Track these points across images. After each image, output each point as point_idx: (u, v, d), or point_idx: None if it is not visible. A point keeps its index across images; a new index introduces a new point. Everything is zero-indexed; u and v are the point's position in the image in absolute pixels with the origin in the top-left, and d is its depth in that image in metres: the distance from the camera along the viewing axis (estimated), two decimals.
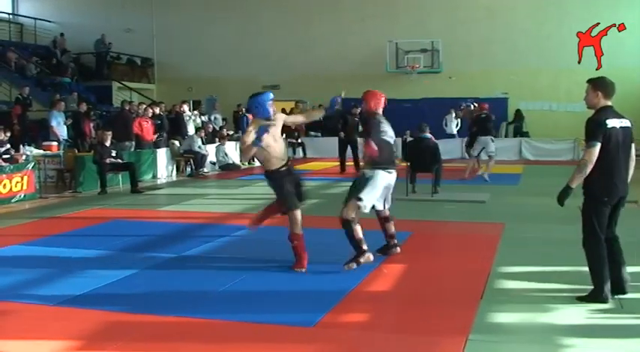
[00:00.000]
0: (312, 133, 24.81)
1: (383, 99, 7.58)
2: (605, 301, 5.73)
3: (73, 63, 25.71)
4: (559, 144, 22.34)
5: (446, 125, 22.79)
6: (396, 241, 7.71)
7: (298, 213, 7.03)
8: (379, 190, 7.19)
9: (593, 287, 5.82)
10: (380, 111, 7.50)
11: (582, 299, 5.84)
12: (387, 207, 7.57)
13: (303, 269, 6.94)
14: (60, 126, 16.73)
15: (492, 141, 15.54)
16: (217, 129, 20.96)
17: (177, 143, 17.81)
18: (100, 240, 8.86)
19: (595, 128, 5.64)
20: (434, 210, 11.37)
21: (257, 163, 19.99)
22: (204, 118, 20.82)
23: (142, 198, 13.28)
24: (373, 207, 7.26)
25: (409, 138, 14.71)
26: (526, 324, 5.37)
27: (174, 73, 26.91)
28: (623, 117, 5.81)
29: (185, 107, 19.28)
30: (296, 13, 25.84)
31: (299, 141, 23.40)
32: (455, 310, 5.70)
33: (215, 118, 21.83)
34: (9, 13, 27.89)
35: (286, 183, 7.05)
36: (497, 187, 13.87)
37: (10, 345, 4.89)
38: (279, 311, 5.67)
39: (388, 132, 7.34)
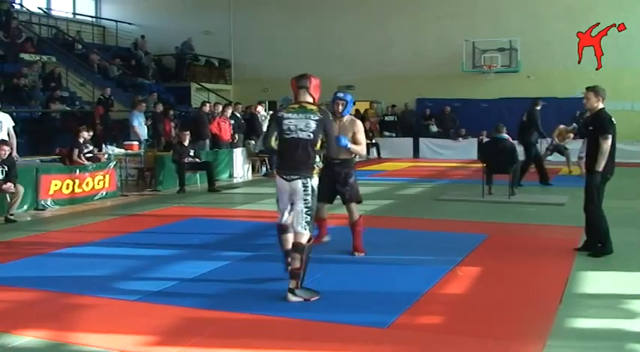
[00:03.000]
0: (387, 133, 24.72)
1: (297, 84, 6.21)
2: (611, 251, 7.55)
3: (154, 64, 26.34)
4: None
5: None
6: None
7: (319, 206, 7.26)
8: (280, 197, 6.32)
9: (600, 244, 7.60)
10: (304, 97, 6.17)
11: (594, 255, 7.50)
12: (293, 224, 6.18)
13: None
14: (141, 127, 17.11)
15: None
16: None
17: (253, 143, 18.01)
18: (178, 237, 9.05)
19: (609, 124, 7.42)
20: (511, 211, 11.16)
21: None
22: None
23: (218, 197, 13.49)
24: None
25: (485, 139, 14.43)
26: (606, 330, 5.22)
27: (250, 74, 27.24)
28: None
29: (260, 108, 19.44)
30: (371, 13, 25.75)
31: (373, 141, 23.30)
32: (532, 315, 5.59)
33: None
34: (92, 16, 28.80)
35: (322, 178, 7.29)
36: (577, 190, 13.47)
37: (92, 338, 5.04)
38: (352, 311, 5.66)
39: (293, 129, 6.04)
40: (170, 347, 4.86)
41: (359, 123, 7.70)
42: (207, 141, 16.88)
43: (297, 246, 6.02)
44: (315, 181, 6.11)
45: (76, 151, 13.05)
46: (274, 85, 26.19)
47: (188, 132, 14.66)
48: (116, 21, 28.44)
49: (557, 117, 21.87)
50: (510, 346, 4.90)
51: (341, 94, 7.69)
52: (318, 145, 6.08)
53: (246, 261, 7.56)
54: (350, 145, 7.40)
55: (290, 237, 6.22)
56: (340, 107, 7.57)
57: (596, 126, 7.50)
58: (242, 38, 27.39)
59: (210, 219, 10.52)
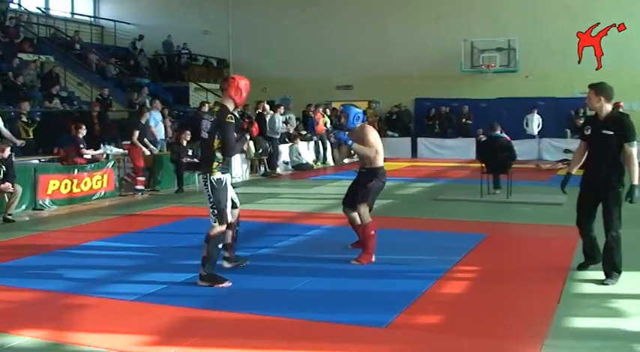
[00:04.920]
0: (390, 133, 24.55)
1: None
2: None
3: (150, 64, 26.30)
4: None
5: (527, 125, 22.30)
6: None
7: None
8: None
9: (613, 264, 6.56)
10: (222, 99, 6.77)
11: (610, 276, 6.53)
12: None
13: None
14: (158, 126, 16.75)
15: None
16: (293, 129, 20.96)
17: (251, 143, 17.89)
18: (176, 237, 9.05)
19: (633, 127, 6.51)
20: (509, 211, 11.18)
21: (330, 163, 20.17)
22: (283, 118, 20.77)
23: None
24: None
25: (483, 138, 14.41)
26: (604, 330, 5.22)
27: (248, 74, 26.50)
28: None
29: (267, 106, 18.98)
30: (369, 13, 25.76)
31: None
32: (531, 314, 5.60)
33: (289, 118, 21.91)
34: (90, 16, 28.79)
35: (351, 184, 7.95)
36: (575, 190, 13.49)
37: (90, 338, 5.04)
38: (351, 311, 5.67)
39: (204, 129, 6.59)
40: (168, 347, 4.86)
41: (367, 128, 7.66)
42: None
43: (205, 236, 6.51)
44: (216, 176, 6.45)
45: (82, 146, 13.06)
46: (273, 84, 26.18)
47: (188, 132, 14.63)
48: (114, 21, 28.42)
49: (555, 116, 21.98)
50: (508, 346, 4.90)
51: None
52: (215, 144, 6.42)
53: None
54: (352, 143, 7.42)
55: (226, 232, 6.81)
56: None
57: (617, 131, 6.47)
58: (240, 38, 27.40)
59: (208, 219, 10.46)
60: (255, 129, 17.60)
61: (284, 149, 19.01)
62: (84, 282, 6.66)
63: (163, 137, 17.06)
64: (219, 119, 6.41)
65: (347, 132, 7.55)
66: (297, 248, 8.36)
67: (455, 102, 24.36)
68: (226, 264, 7.03)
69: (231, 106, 6.54)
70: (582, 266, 6.93)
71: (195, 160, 14.48)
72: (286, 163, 19.12)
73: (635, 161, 6.35)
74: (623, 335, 5.08)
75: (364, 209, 7.44)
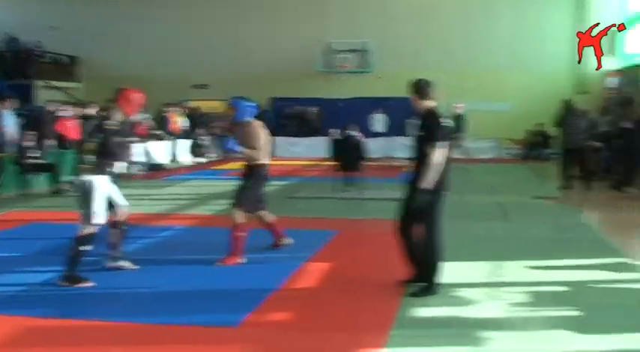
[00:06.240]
0: None
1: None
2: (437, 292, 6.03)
3: None
4: (482, 142, 22.79)
5: (372, 124, 23.01)
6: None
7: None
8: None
9: (426, 282, 6.08)
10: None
11: (417, 295, 5.97)
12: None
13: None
14: (11, 127, 15.57)
15: None
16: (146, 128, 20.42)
17: None
18: (18, 243, 8.58)
19: (438, 129, 5.96)
20: (362, 208, 11.45)
21: (184, 163, 19.90)
22: (138, 117, 20.18)
23: (63, 200, 12.87)
24: None
25: (336, 136, 14.68)
26: (448, 318, 5.47)
27: (101, 72, 26.20)
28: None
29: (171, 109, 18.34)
30: (226, 11, 25.64)
31: None
32: (378, 306, 5.77)
33: (144, 118, 21.32)
34: None
35: None
36: None
37: None
38: (202, 312, 5.60)
39: None
40: None
41: (252, 126, 7.50)
42: (53, 141, 16.00)
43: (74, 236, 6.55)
44: (86, 178, 6.54)
45: None
46: (126, 82, 25.28)
47: (33, 133, 13.93)
48: None
49: (405, 116, 22.71)
50: (356, 338, 5.00)
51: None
52: (93, 147, 6.57)
53: (89, 266, 7.21)
54: (238, 148, 7.32)
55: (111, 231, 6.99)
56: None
57: (423, 131, 6.02)
58: (93, 35, 26.40)
59: (53, 223, 9.99)
60: (141, 130, 17.03)
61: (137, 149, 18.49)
62: None
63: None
64: (99, 123, 6.68)
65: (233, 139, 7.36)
66: (148, 250, 8.14)
67: (310, 102, 24.72)
68: (110, 263, 6.98)
69: (117, 115, 6.63)
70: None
71: (42, 161, 13.87)
72: (138, 163, 18.61)
73: (431, 164, 5.81)
74: (466, 323, 5.33)
75: (236, 212, 7.31)
